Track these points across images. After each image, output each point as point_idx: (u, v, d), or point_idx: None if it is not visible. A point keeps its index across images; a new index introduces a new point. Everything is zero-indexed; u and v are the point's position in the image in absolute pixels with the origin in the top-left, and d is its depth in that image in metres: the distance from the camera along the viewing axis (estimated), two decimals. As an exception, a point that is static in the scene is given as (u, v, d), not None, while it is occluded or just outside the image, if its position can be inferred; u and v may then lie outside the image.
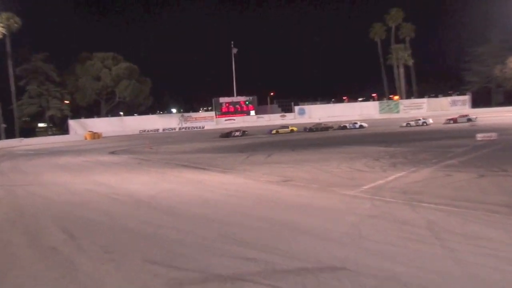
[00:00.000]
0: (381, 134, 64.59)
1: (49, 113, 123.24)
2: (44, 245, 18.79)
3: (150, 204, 24.86)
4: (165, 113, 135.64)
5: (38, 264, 17.00)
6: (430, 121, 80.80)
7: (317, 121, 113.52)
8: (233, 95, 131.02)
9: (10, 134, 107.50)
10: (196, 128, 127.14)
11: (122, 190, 29.35)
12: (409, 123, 79.75)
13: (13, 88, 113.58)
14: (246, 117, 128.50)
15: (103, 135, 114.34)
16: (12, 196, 28.80)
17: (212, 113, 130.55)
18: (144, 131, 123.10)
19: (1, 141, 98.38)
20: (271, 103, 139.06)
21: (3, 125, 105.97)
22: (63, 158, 54.66)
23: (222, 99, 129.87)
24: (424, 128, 73.53)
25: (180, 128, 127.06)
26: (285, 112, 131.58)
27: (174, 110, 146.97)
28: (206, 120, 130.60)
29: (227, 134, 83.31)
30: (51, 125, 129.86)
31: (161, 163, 42.96)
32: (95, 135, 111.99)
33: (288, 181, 29.26)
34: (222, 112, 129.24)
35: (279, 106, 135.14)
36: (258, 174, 33.11)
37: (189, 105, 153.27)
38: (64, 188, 31.02)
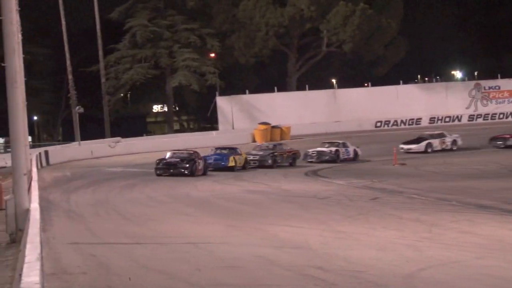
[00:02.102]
0: None
1: (173, 82, 77.24)
2: None
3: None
4: (437, 82, 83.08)
5: None
6: None
7: None
8: None
9: (92, 129, 72.74)
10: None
11: (333, 260, 15.48)
12: None
13: (98, 25, 70.03)
14: None
15: (292, 131, 67.56)
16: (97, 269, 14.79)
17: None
18: (387, 122, 73.71)
19: (74, 145, 61.74)
20: None
21: (79, 109, 63.45)
22: (202, 184, 34.50)
23: None
24: None
25: (471, 117, 73.83)
26: None
27: (458, 76, 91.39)
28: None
29: None
30: (175, 108, 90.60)
31: (427, 201, 25.69)
32: (275, 133, 66.37)
33: None
34: None
35: None
36: None
37: (492, 65, 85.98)
38: (204, 251, 17.02)
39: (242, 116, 73.17)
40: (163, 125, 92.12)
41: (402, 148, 47.79)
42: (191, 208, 26.04)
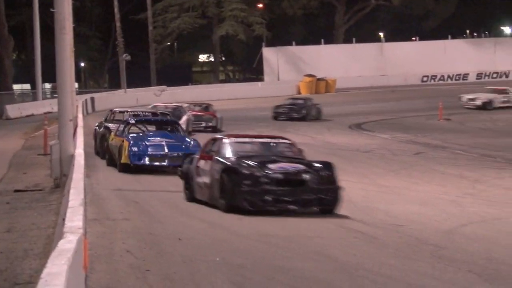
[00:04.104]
0: None
1: (220, 31, 77.06)
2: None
3: (442, 251, 11.90)
4: (485, 38, 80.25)
5: None
6: None
7: None
8: None
9: (137, 76, 70.65)
10: None
11: (374, 213, 15.49)
12: None
13: None
14: None
15: (338, 84, 66.09)
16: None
17: None
18: (432, 77, 71.90)
19: (120, 92, 62.68)
20: None
21: (126, 57, 65.19)
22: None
23: None
24: None
25: None
26: None
27: (507, 31, 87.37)
28: None
29: None
30: (222, 58, 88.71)
31: (472, 157, 25.39)
32: (321, 85, 64.63)
33: None
34: None
35: None
36: None
37: None
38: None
39: (288, 68, 72.71)
40: (209, 75, 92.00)
41: None
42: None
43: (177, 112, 34.17)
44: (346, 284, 10.03)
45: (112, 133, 23.52)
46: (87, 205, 11.87)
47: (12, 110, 51.84)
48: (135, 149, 20.99)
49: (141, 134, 22.67)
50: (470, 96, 47.36)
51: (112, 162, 22.52)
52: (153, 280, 10.01)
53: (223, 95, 57.50)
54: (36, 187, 19.12)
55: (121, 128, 23.27)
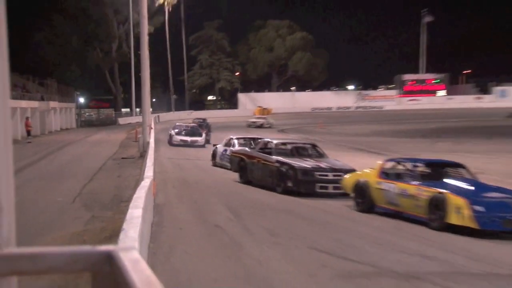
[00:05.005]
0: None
1: (218, 85, 72.35)
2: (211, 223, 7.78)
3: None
4: (340, 90, 74.84)
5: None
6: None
7: None
8: (419, 72, 65.33)
9: (179, 106, 65.72)
10: (374, 108, 64.91)
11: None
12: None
13: (185, 57, 64.94)
14: (433, 98, 62.09)
15: (273, 111, 60.50)
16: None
17: (393, 92, 66.45)
18: (316, 109, 66.24)
19: (171, 113, 58.38)
20: (466, 82, 64.86)
21: (174, 96, 61.92)
22: (226, 135, 22.71)
23: (406, 76, 65.07)
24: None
25: (356, 108, 66.43)
26: (482, 94, 60.32)
27: (350, 87, 78.03)
28: (386, 100, 66.13)
29: None
30: (219, 98, 79.20)
31: (333, 145, 23.18)
32: (265, 111, 59.03)
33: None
34: (405, 91, 64.49)
35: (476, 87, 62.38)
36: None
37: (367, 82, 72.77)
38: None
39: (250, 103, 71.38)
40: (213, 105, 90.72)
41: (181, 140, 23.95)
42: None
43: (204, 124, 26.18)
44: (290, 207, 9.79)
45: (372, 173, 9.48)
46: (155, 165, 11.64)
47: (121, 121, 51.19)
48: (480, 209, 7.36)
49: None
50: (253, 120, 40.13)
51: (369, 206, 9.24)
52: (186, 201, 9.76)
53: (219, 115, 56.98)
54: (131, 157, 18.74)
55: (391, 172, 9.26)
